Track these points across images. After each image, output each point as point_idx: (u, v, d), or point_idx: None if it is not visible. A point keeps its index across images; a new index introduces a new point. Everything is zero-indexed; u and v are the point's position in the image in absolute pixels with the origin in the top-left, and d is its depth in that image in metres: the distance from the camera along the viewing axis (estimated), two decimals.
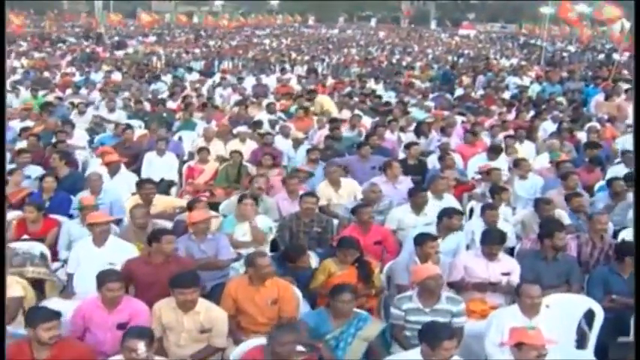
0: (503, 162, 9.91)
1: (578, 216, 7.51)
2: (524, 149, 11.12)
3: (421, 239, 6.07)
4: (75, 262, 6.39)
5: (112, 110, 14.23)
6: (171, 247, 5.83)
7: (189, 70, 23.86)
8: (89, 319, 5.24)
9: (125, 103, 15.13)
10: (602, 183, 9.51)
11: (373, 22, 72.93)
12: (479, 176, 9.19)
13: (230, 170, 9.87)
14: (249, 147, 11.02)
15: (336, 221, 7.91)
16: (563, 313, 5.62)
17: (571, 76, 20.23)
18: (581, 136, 12.57)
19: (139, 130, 12.68)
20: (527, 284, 5.24)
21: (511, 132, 11.94)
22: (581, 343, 5.75)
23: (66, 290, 6.31)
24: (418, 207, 7.57)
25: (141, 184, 7.96)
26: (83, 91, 17.52)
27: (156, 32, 47.00)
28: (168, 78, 21.04)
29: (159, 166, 10.26)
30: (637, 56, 9.00)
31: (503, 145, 10.65)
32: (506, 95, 17.90)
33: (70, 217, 7.78)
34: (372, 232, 7.03)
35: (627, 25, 20.83)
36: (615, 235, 7.69)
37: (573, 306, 5.78)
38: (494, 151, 10.08)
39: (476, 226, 7.20)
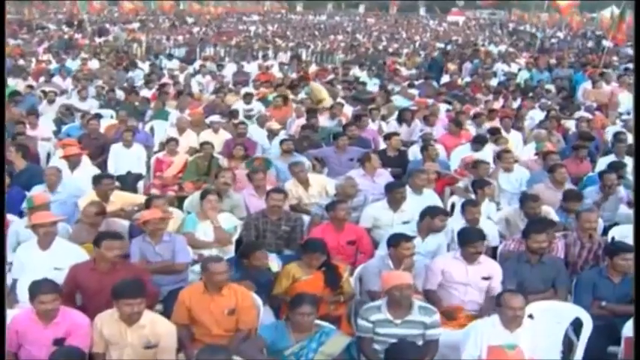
0: (488, 153, 9.41)
1: (567, 214, 6.99)
2: (511, 139, 10.60)
3: (395, 240, 5.55)
4: (19, 267, 5.85)
5: (83, 99, 13.67)
6: (113, 253, 5.26)
7: (170, 57, 23.16)
8: (23, 333, 4.72)
9: (99, 92, 14.55)
10: (591, 174, 9.05)
11: (361, 8, 72.10)
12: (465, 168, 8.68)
13: (200, 162, 9.33)
14: (222, 138, 10.48)
15: (307, 218, 7.41)
16: (548, 323, 5.13)
17: (560, 63, 19.72)
18: (570, 124, 12.09)
19: (111, 120, 12.11)
20: (508, 294, 4.72)
21: (496, 122, 11.44)
22: (567, 353, 5.28)
23: (9, 298, 5.75)
24: (395, 203, 7.04)
25: (98, 178, 7.38)
26: (57, 79, 16.89)
27: (140, 19, 46.11)
28: (147, 65, 20.39)
29: (126, 158, 9.75)
30: (637, 54, 8.57)
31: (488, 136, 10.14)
32: (494, 82, 17.39)
33: (22, 215, 7.22)
34: (345, 230, 6.50)
35: (617, 11, 20.35)
36: (605, 231, 7.23)
37: (559, 315, 5.29)
38: (479, 142, 9.56)
39: (456, 224, 6.67)
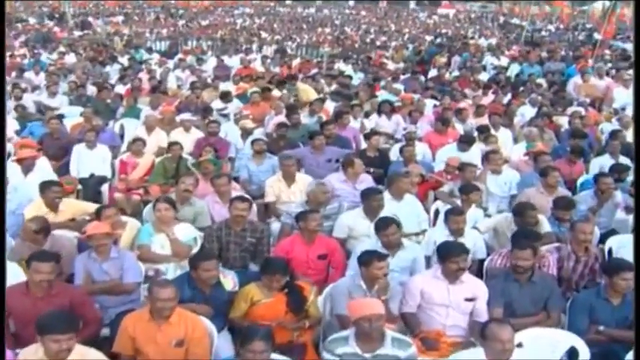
0: (476, 154, 8.80)
1: (559, 222, 6.39)
2: (500, 137, 9.96)
3: (366, 258, 4.91)
4: None
5: (53, 95, 12.96)
6: (40, 277, 4.60)
7: (150, 50, 22.37)
8: None
9: (71, 87, 13.82)
10: (585, 177, 8.46)
11: (351, 2, 71.29)
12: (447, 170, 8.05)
13: (168, 164, 8.69)
14: (194, 137, 9.82)
15: (276, 226, 6.80)
16: (540, 352, 4.53)
17: (551, 56, 19.13)
18: (563, 121, 11.49)
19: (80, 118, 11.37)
20: (495, 325, 4.07)
21: (485, 119, 10.84)
22: None
23: None
24: (372, 211, 6.37)
25: (45, 185, 6.67)
26: (29, 74, 16.15)
27: (126, 12, 45.17)
28: (126, 60, 19.64)
29: (89, 159, 9.09)
30: (637, 52, 8.10)
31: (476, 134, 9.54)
32: (484, 77, 16.75)
33: None
34: (316, 243, 5.84)
35: (608, 4, 19.85)
36: (602, 239, 6.63)
37: (553, 343, 4.68)
38: (465, 141, 8.93)
39: (439, 234, 6.08)
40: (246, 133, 9.80)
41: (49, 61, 18.63)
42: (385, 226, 5.56)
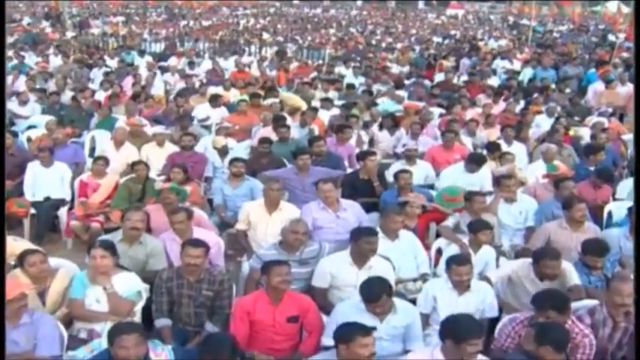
0: (486, 175, 7.61)
1: (589, 270, 5.20)
2: (513, 154, 8.72)
3: (348, 335, 3.77)
4: None
5: (23, 103, 11.80)
6: None
7: (142, 53, 21.17)
8: None
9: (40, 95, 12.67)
10: (615, 205, 7.25)
11: (359, 2, 70.20)
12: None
13: (132, 186, 7.58)
14: (168, 152, 8.69)
15: (247, 267, 5.66)
16: None
17: (567, 60, 17.83)
18: (583, 133, 10.26)
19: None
20: None
21: (496, 130, 9.66)
22: None
23: None
24: (362, 257, 5.17)
25: None
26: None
27: (127, 12, 44.10)
28: (116, 62, 18.48)
29: (45, 179, 7.98)
30: (637, 54, 6.97)
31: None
32: (494, 81, 15.46)
33: None
34: (284, 302, 4.63)
35: (623, 6, 18.69)
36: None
37: None
38: (474, 161, 7.71)
39: (439, 287, 4.90)
40: (222, 151, 8.56)
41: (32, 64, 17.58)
42: (375, 298, 4.35)
